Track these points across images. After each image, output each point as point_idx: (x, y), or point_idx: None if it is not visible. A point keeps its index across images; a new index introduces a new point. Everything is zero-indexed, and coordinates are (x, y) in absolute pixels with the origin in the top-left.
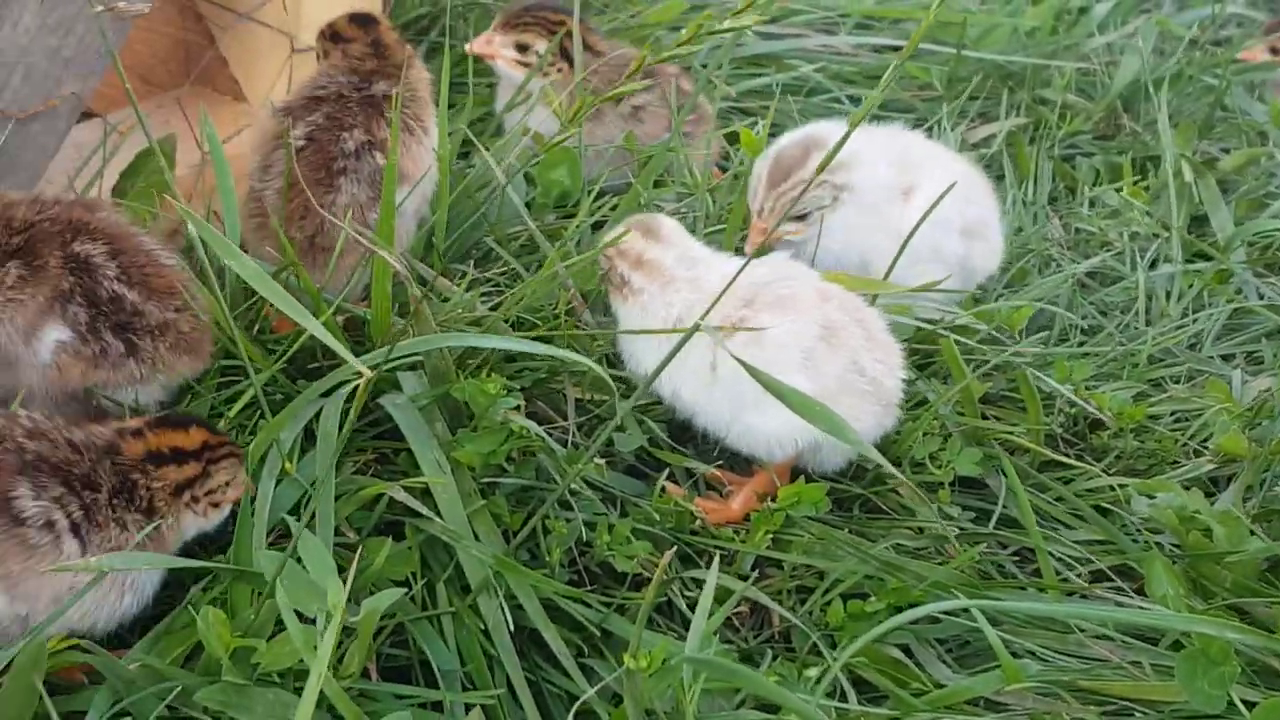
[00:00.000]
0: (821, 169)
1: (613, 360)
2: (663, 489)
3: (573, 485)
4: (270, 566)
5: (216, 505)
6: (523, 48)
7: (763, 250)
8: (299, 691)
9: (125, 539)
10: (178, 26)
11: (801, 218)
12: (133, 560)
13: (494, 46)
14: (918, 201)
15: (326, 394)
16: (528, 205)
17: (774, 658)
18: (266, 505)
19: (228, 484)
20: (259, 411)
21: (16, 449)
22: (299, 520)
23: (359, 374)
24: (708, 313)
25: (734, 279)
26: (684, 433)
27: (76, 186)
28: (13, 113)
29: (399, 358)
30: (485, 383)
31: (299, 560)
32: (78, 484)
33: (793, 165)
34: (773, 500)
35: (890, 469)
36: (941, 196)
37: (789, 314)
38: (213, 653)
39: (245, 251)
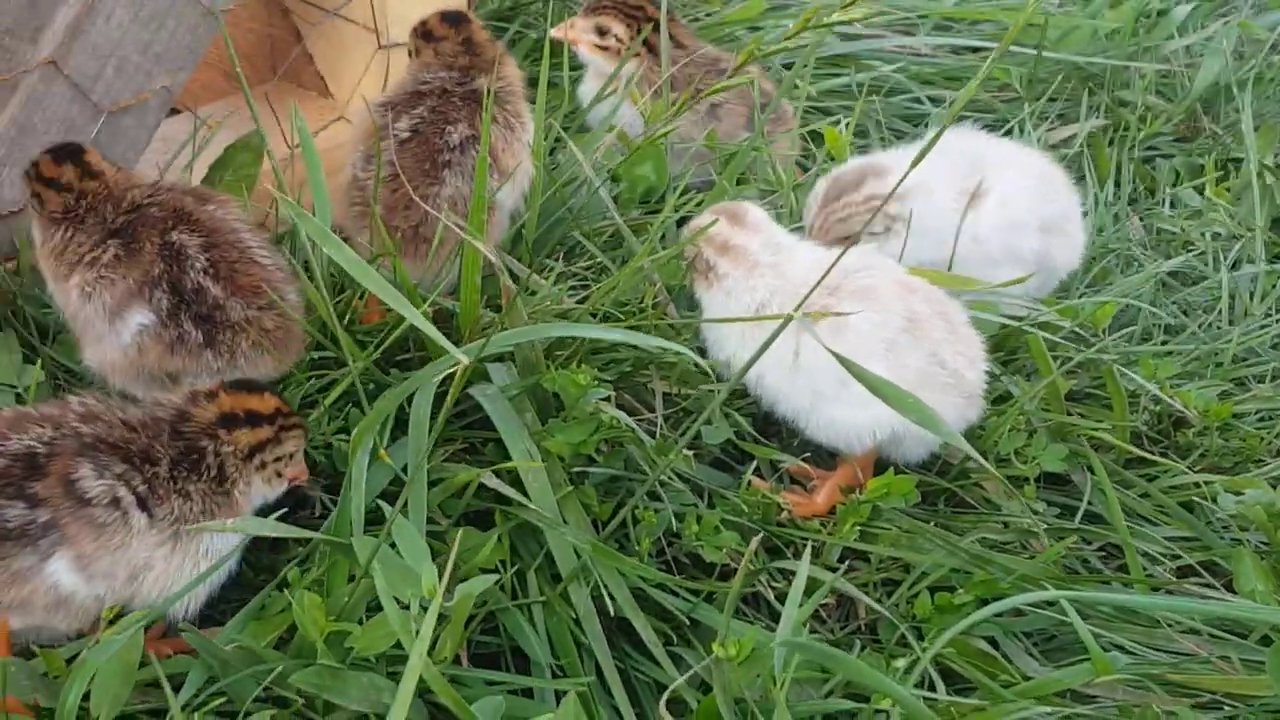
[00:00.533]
0: (884, 202)
1: (699, 354)
2: (749, 481)
3: (661, 476)
4: (365, 551)
5: (280, 475)
6: (602, 31)
7: None
8: (392, 676)
9: (189, 509)
10: (264, 22)
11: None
12: (257, 526)
13: (575, 31)
14: (989, 205)
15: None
16: (614, 200)
17: (861, 649)
18: (361, 490)
19: (292, 455)
20: (350, 401)
21: (74, 434)
22: (393, 507)
23: (452, 363)
24: (802, 302)
25: (830, 268)
26: (769, 426)
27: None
28: (105, 106)
29: (497, 348)
30: (576, 373)
31: (393, 546)
32: (138, 459)
33: (846, 188)
34: (860, 492)
35: (979, 460)
36: (982, 194)
37: (872, 304)
38: (307, 636)
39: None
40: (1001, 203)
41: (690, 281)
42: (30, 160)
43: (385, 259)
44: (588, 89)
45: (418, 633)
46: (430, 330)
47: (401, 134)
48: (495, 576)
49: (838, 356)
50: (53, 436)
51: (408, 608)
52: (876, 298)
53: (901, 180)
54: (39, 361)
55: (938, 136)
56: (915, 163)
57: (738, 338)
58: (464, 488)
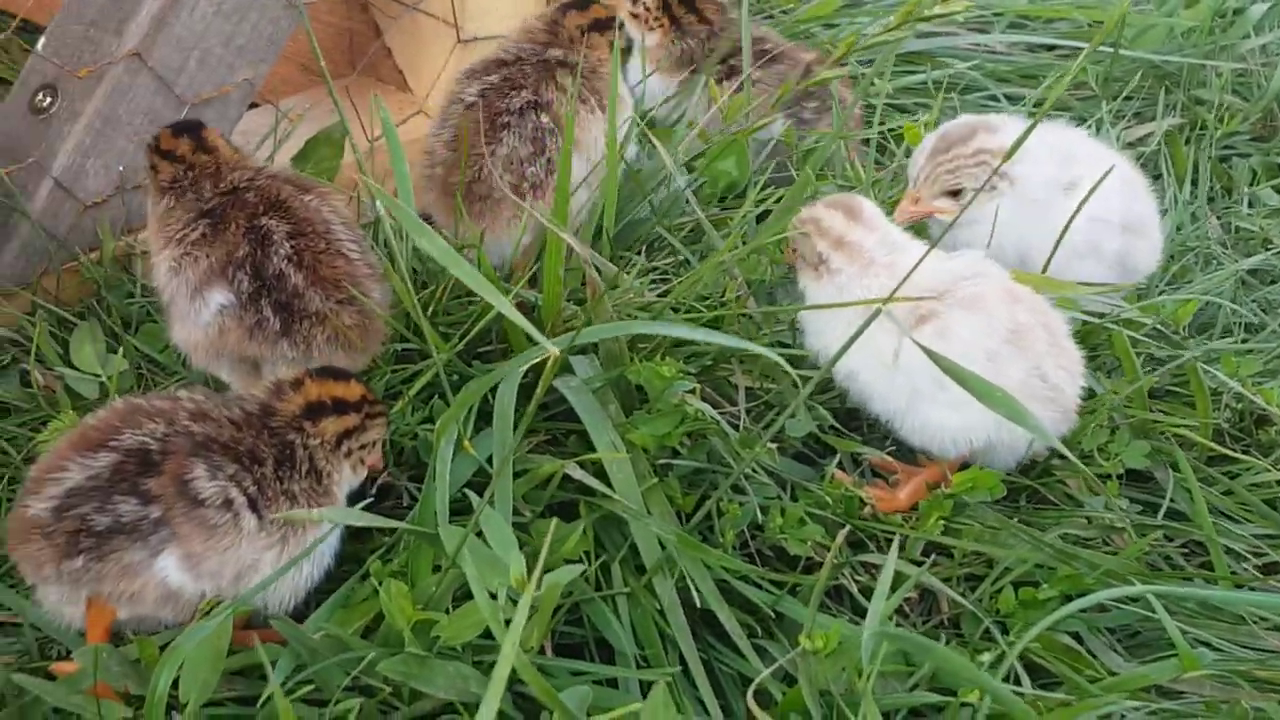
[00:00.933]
0: (1009, 156)
1: (782, 345)
2: (832, 474)
3: (745, 469)
4: (453, 540)
5: (363, 463)
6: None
7: (915, 227)
8: (477, 665)
9: (290, 507)
10: (342, 16)
11: (955, 194)
12: (344, 515)
13: None
14: (1079, 197)
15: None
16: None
17: (945, 643)
18: (446, 479)
19: (374, 444)
20: (434, 392)
21: (185, 432)
22: (477, 498)
23: (539, 354)
24: (893, 295)
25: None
26: (850, 420)
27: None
28: (188, 98)
29: (586, 340)
30: (661, 366)
31: (479, 535)
32: (247, 460)
33: (957, 140)
34: (946, 486)
35: (1074, 460)
36: (1094, 188)
37: (978, 312)
38: (394, 624)
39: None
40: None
41: (793, 269)
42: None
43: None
44: (633, 65)
45: (508, 622)
46: (520, 320)
47: (469, 98)
48: (581, 567)
49: (933, 355)
50: (165, 433)
51: (494, 597)
52: (983, 306)
53: (1027, 132)
54: (121, 350)
55: (1036, 122)
56: (1021, 140)
57: (843, 330)
58: (548, 479)
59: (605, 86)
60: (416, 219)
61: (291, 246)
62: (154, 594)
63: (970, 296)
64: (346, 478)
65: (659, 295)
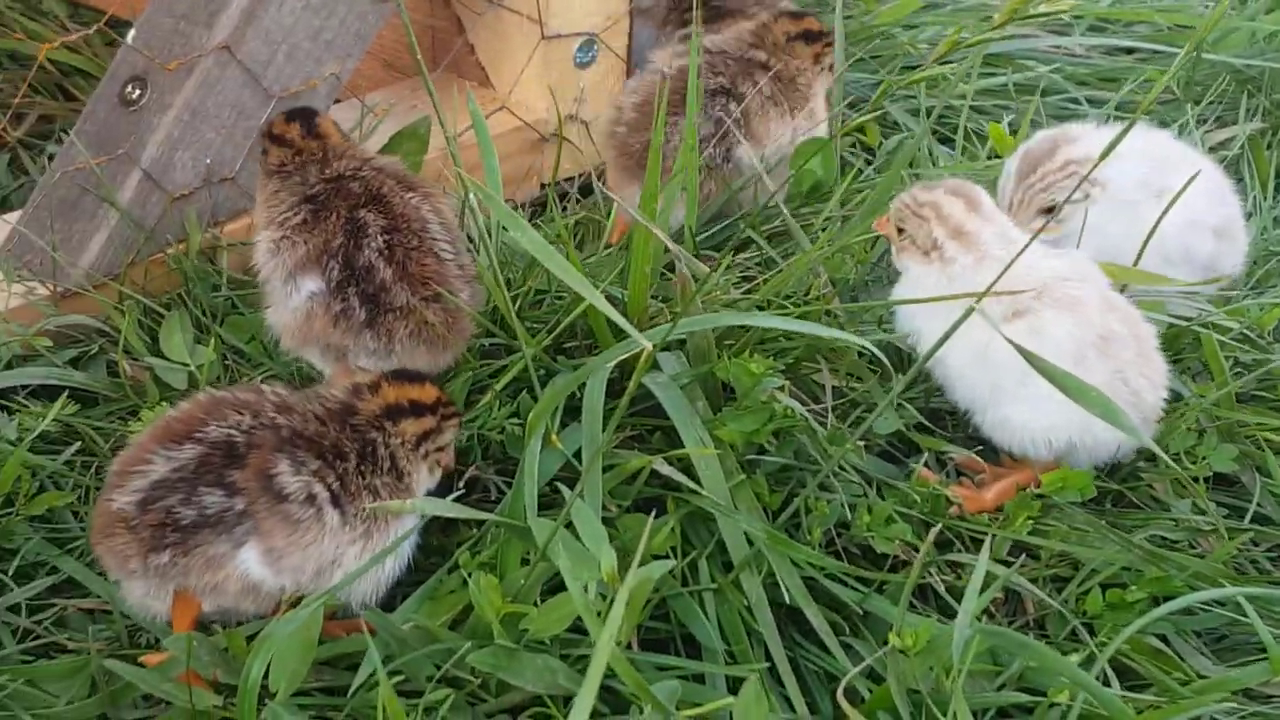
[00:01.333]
0: (1099, 161)
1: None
2: (919, 473)
3: (829, 467)
4: (544, 533)
5: (439, 465)
6: None
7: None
8: (564, 658)
9: (373, 502)
10: (425, 13)
11: (1050, 211)
12: (436, 506)
13: None
14: (1169, 201)
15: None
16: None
17: None
18: (535, 473)
19: (449, 446)
20: (520, 386)
21: (271, 425)
22: (564, 493)
23: (629, 349)
24: (989, 289)
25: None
26: (936, 419)
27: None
28: (275, 91)
29: (679, 333)
30: (749, 362)
31: (568, 528)
32: (330, 455)
33: (1040, 159)
34: (1036, 487)
35: (1168, 461)
36: (1180, 190)
37: (1072, 314)
38: (483, 616)
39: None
40: (1181, 202)
41: (896, 250)
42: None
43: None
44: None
45: (603, 616)
46: (613, 313)
47: (670, 71)
48: (671, 563)
49: (1023, 352)
50: (251, 426)
51: (585, 591)
52: (1079, 309)
53: (1116, 141)
54: (211, 342)
55: (1132, 124)
56: (1115, 142)
57: (941, 318)
58: (635, 475)
59: (801, 97)
60: (510, 212)
61: (384, 241)
62: (235, 586)
63: (1067, 298)
64: (424, 479)
65: (743, 294)
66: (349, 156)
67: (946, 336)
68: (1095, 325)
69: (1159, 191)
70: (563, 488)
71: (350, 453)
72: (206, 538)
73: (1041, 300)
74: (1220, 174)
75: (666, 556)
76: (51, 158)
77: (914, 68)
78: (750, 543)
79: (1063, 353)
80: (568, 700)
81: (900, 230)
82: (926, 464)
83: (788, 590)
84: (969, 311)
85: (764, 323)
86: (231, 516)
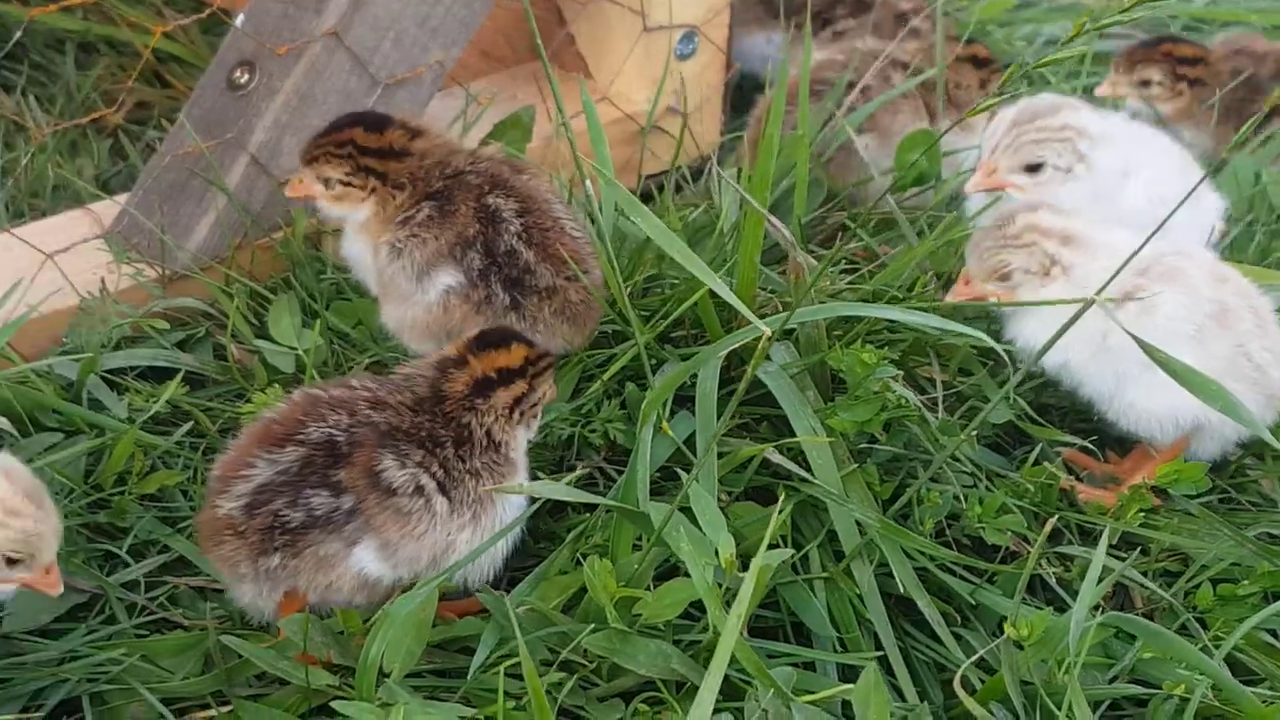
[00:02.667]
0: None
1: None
2: (1035, 461)
3: (940, 457)
4: (658, 517)
5: (537, 415)
6: None
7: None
8: (677, 643)
9: (476, 485)
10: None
11: (1034, 170)
12: (551, 490)
13: None
14: (1133, 185)
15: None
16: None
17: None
18: (647, 460)
19: (545, 393)
20: (628, 375)
21: (369, 422)
22: (673, 481)
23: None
24: (1107, 284)
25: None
26: (1043, 413)
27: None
28: (382, 78)
29: (796, 321)
30: (862, 352)
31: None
32: (430, 444)
33: (1041, 113)
34: (1150, 479)
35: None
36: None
37: (1181, 287)
38: (597, 600)
39: None
40: (1145, 184)
41: (1014, 292)
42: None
43: None
44: None
45: (727, 602)
46: (733, 299)
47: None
48: (789, 551)
49: (1139, 341)
50: (350, 424)
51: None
52: (1185, 280)
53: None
54: (317, 326)
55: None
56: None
57: (1058, 323)
58: (745, 463)
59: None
60: (632, 198)
61: (521, 224)
62: (351, 584)
63: (1171, 270)
64: (523, 439)
65: (848, 284)
66: (459, 152)
67: (1065, 329)
68: (1208, 295)
69: (1126, 172)
70: (679, 472)
71: (447, 439)
72: (316, 538)
73: (1146, 276)
74: (1180, 149)
75: (778, 545)
76: (151, 143)
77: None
78: (862, 532)
79: (1180, 328)
80: (680, 685)
81: (1005, 277)
82: (1043, 455)
83: (900, 580)
84: (1087, 305)
85: (886, 314)
86: (340, 516)
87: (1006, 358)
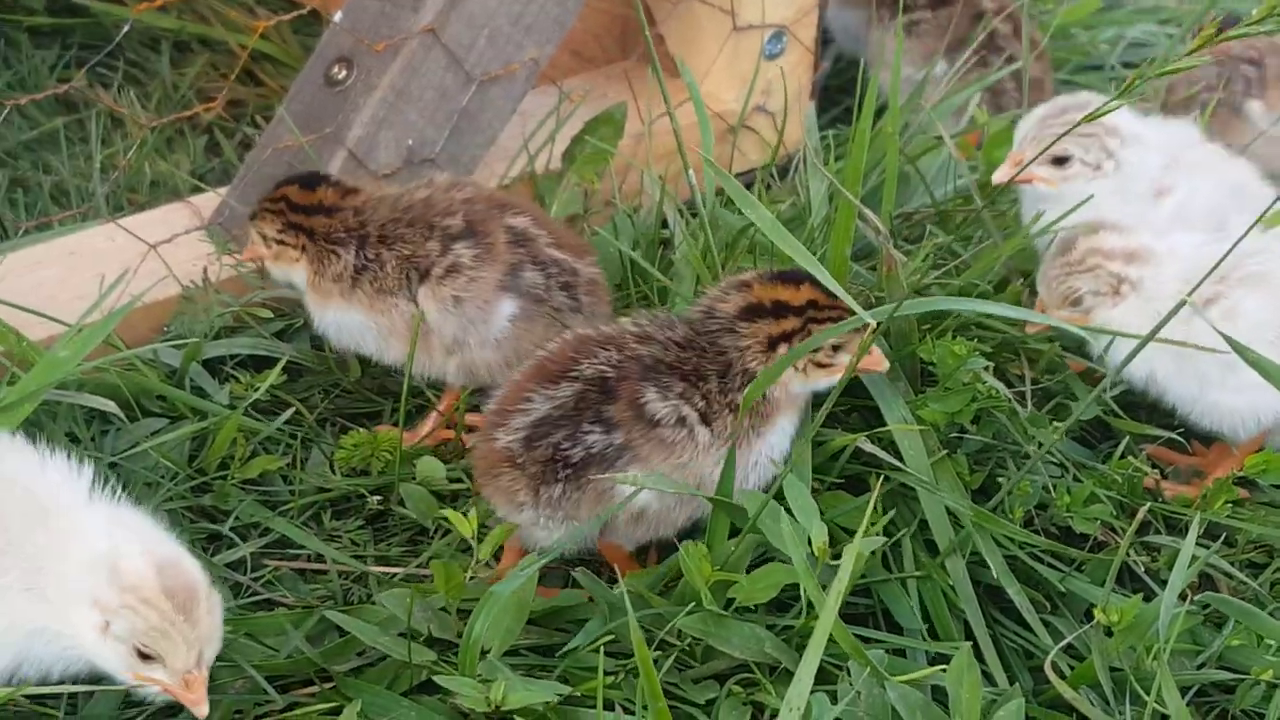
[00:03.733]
0: None
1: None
2: (1121, 454)
3: (1030, 449)
4: (754, 505)
5: (821, 366)
6: None
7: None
8: (770, 627)
9: (731, 420)
10: (616, 2)
11: (1060, 163)
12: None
13: None
14: (1168, 206)
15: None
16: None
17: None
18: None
19: (837, 348)
20: None
21: (635, 356)
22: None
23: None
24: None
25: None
26: (1128, 410)
27: (530, 148)
28: (476, 75)
29: (904, 314)
30: (954, 344)
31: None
32: (693, 377)
33: (1070, 108)
34: (1238, 470)
35: None
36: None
37: (1265, 290)
38: (692, 583)
39: None
40: (1179, 206)
41: (1088, 316)
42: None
43: None
44: None
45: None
46: (837, 289)
47: None
48: (882, 540)
49: (1227, 339)
50: (618, 360)
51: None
52: (1268, 285)
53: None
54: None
55: None
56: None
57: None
58: (836, 453)
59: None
60: (740, 187)
61: (546, 233)
62: (624, 515)
63: (1255, 275)
64: (795, 378)
65: (935, 280)
66: (428, 187)
67: (1151, 334)
68: None
69: (1160, 191)
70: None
71: (711, 373)
72: (593, 474)
73: (1227, 283)
74: (1254, 178)
75: (872, 532)
76: (245, 139)
77: (1096, 68)
78: (953, 520)
79: (1263, 333)
80: (773, 669)
81: (1076, 302)
82: (1128, 450)
83: (993, 568)
84: (1178, 307)
85: (990, 309)
86: (613, 451)
87: (1093, 349)
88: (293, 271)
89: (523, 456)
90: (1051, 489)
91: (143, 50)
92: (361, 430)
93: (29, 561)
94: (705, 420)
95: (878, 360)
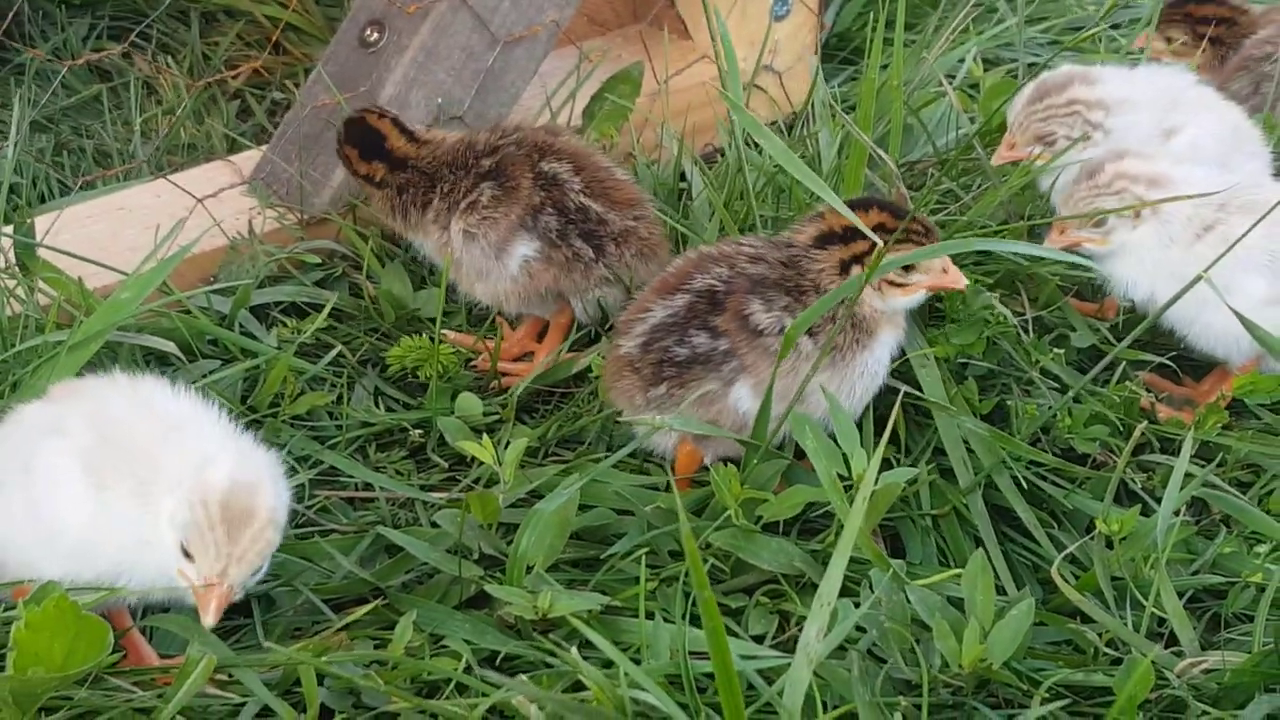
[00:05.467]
0: None
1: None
2: (1118, 379)
3: (1033, 375)
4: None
5: (896, 285)
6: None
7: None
8: (801, 545)
9: (840, 336)
10: None
11: (1051, 143)
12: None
13: None
14: (1181, 141)
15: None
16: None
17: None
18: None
19: (909, 268)
20: None
21: (744, 274)
22: None
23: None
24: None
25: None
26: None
27: (552, 106)
28: (501, 36)
29: (918, 257)
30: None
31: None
32: (795, 292)
33: (1052, 89)
34: (1228, 391)
35: None
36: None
37: (1255, 217)
38: (723, 502)
39: None
40: (1190, 144)
41: (1106, 241)
42: None
43: None
44: None
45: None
46: (853, 217)
47: None
48: (914, 470)
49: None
50: (729, 275)
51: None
52: (1260, 211)
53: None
54: (442, 282)
55: None
56: None
57: (1153, 262)
58: None
59: None
60: (761, 125)
61: (581, 180)
62: (729, 421)
63: (1250, 203)
64: (872, 297)
65: (938, 222)
66: (480, 130)
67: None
68: None
69: (1168, 131)
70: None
71: (809, 289)
72: (699, 374)
73: (1227, 210)
74: (1244, 119)
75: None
76: (274, 102)
77: (1077, 29)
78: (967, 445)
79: (1254, 255)
80: (798, 580)
81: (1100, 223)
82: (1125, 375)
83: (1002, 488)
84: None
85: (1006, 248)
86: (718, 355)
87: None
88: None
89: (639, 361)
90: (1055, 412)
91: (171, 22)
92: (418, 336)
93: (146, 470)
94: (810, 332)
95: (955, 278)
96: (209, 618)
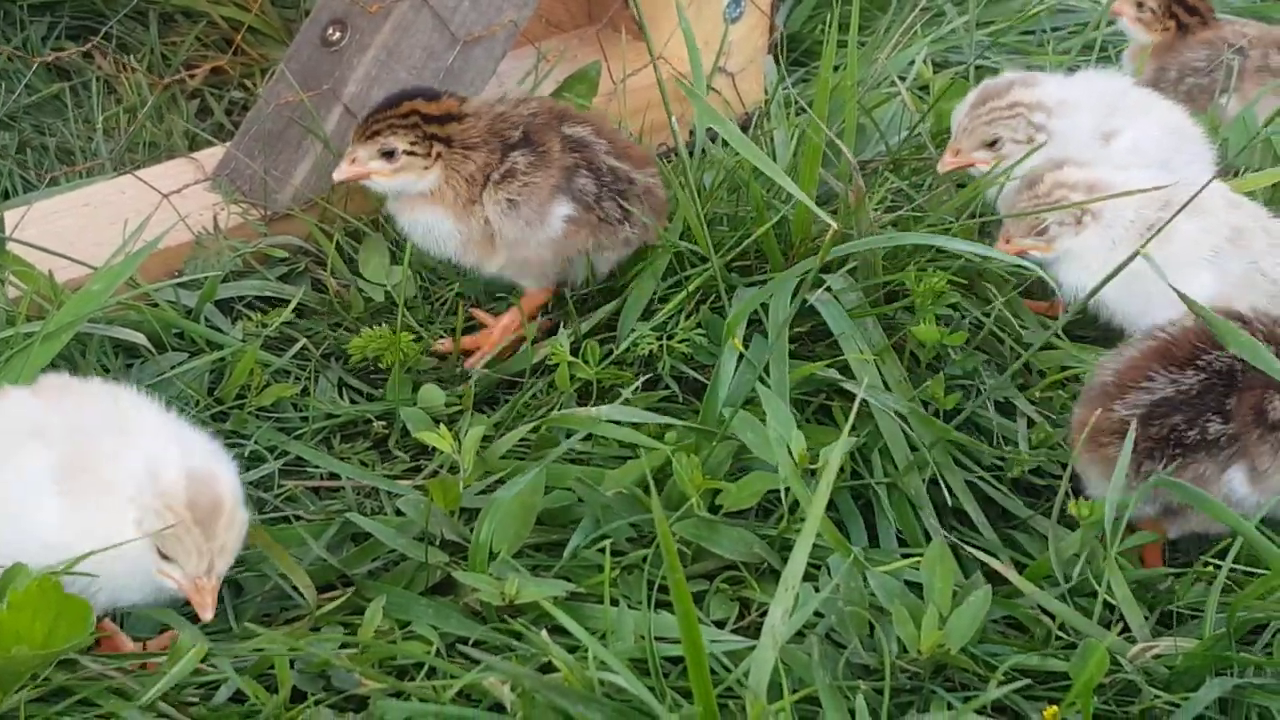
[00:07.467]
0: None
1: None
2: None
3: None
4: (739, 420)
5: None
6: None
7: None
8: (755, 531)
9: None
10: None
11: (992, 145)
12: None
13: None
14: (1122, 145)
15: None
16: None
17: None
18: (730, 372)
19: None
20: (704, 297)
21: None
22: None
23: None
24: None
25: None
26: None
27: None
28: (461, 35)
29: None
30: (929, 276)
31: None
32: None
33: (994, 94)
34: None
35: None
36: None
37: (1199, 214)
38: (684, 491)
39: None
40: (1131, 146)
41: (1050, 247)
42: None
43: None
44: None
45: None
46: (815, 209)
47: None
48: (855, 439)
49: (1184, 298)
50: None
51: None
52: (1204, 209)
53: None
54: (405, 262)
55: None
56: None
57: (1099, 265)
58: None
59: None
60: (720, 115)
61: (606, 141)
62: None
63: (1192, 203)
64: None
65: (892, 220)
66: (507, 103)
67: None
68: (1224, 220)
69: (1108, 134)
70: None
71: None
72: (1200, 459)
73: (1169, 209)
74: (1186, 120)
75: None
76: (233, 101)
77: (1029, 33)
78: (908, 441)
79: (1198, 250)
80: (758, 568)
81: (1042, 232)
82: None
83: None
84: (1144, 245)
85: (956, 247)
86: (1225, 440)
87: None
88: (416, 180)
89: (1138, 432)
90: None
91: (129, 22)
92: (378, 327)
93: (103, 466)
94: None
95: None
96: (207, 614)
